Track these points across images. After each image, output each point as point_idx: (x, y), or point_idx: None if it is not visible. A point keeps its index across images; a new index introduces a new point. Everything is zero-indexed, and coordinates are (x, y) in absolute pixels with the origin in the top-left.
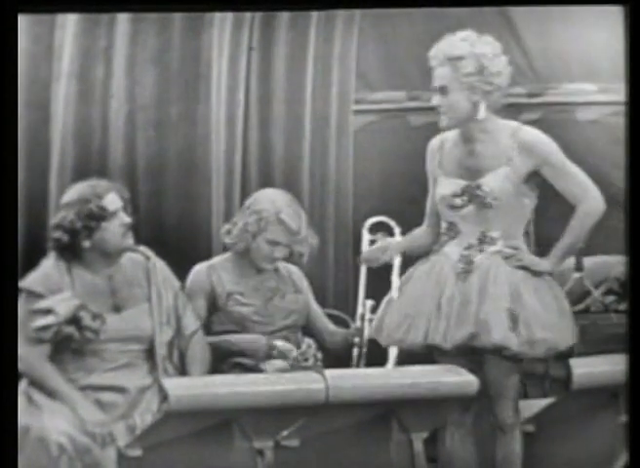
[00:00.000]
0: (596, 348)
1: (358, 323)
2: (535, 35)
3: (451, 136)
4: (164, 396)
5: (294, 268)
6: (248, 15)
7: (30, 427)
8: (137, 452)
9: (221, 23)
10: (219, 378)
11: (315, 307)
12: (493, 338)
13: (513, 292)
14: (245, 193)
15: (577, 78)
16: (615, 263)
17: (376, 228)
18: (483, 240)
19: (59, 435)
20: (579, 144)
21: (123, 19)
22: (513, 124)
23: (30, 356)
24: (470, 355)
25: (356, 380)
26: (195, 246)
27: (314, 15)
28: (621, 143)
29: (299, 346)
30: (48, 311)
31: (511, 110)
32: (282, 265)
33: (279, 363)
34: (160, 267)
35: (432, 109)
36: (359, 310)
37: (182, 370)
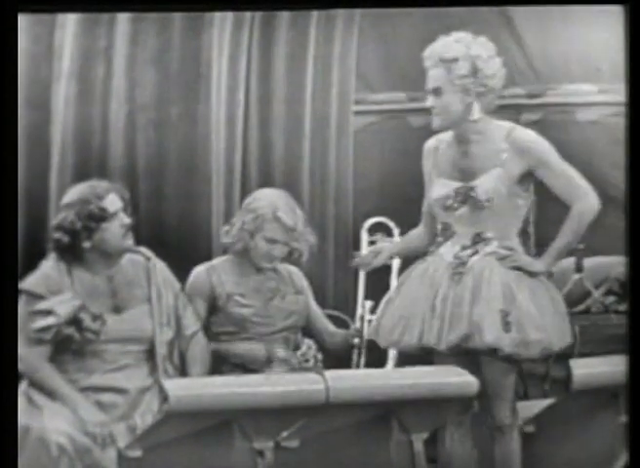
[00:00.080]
0: (596, 349)
1: (357, 324)
2: (535, 36)
3: (446, 137)
4: (164, 396)
5: (294, 269)
6: (248, 14)
7: (30, 428)
8: (137, 453)
9: (221, 23)
10: (219, 379)
11: (315, 308)
12: (486, 339)
13: (507, 293)
14: (245, 193)
15: (577, 79)
16: (615, 264)
17: (375, 229)
18: (477, 241)
19: (59, 435)
20: (579, 145)
21: (123, 19)
22: (507, 125)
23: (30, 357)
24: (465, 356)
25: (356, 381)
26: (195, 246)
27: (314, 14)
28: (621, 144)
29: (298, 347)
30: (48, 312)
31: (511, 111)
32: (282, 266)
33: (279, 370)
34: (160, 268)
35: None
36: (358, 311)
37: (183, 371)
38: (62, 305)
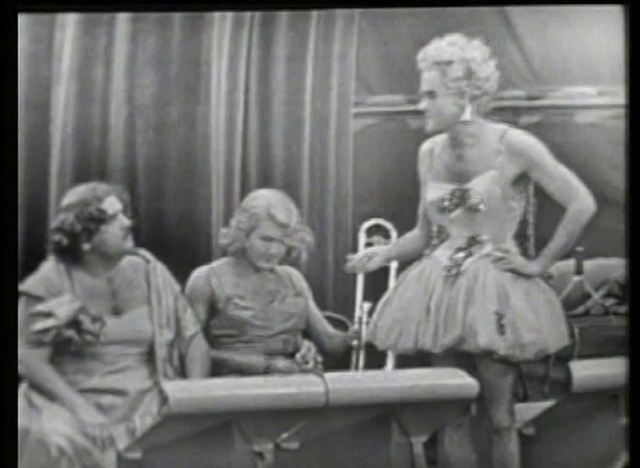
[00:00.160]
0: (596, 351)
1: (356, 326)
2: (534, 37)
3: (441, 140)
4: (164, 398)
5: (293, 271)
6: (247, 15)
7: (30, 429)
8: (136, 455)
9: (221, 23)
10: (218, 381)
11: (315, 310)
12: (480, 342)
13: (501, 296)
14: (245, 195)
15: (576, 81)
16: (615, 266)
17: (373, 231)
18: (472, 243)
19: (58, 437)
20: (578, 147)
21: (123, 20)
22: (501, 127)
23: (30, 358)
24: (461, 359)
25: (356, 383)
26: (195, 248)
27: (314, 15)
28: (621, 146)
29: (298, 349)
30: (48, 314)
31: (511, 113)
32: (281, 268)
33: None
34: (160, 270)
35: None
36: (357, 313)
37: (182, 373)
38: (62, 307)
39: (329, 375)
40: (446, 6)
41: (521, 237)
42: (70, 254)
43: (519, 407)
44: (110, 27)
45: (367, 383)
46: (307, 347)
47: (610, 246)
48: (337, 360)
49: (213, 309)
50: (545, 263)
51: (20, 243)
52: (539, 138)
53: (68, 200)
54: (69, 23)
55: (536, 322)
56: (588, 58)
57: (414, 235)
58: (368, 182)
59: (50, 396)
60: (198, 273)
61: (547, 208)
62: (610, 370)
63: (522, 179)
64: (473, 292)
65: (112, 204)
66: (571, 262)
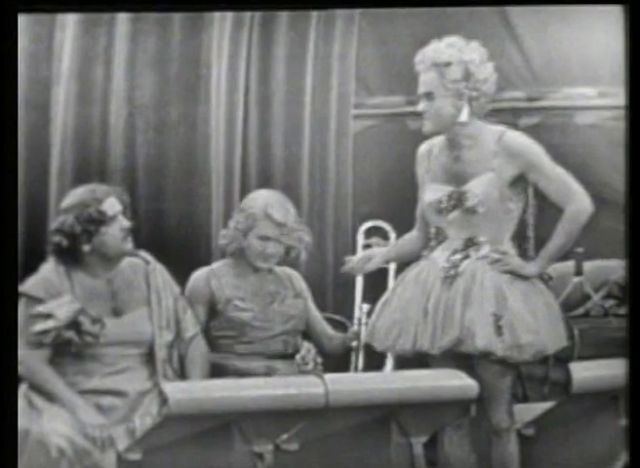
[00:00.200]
0: (596, 352)
1: (355, 327)
2: (534, 38)
3: (438, 142)
4: (164, 399)
5: (293, 272)
6: (247, 15)
7: (30, 430)
8: (136, 456)
9: (221, 23)
10: (218, 382)
11: (314, 311)
12: (477, 344)
13: (499, 297)
14: (244, 195)
15: (576, 82)
16: (614, 267)
17: (371, 232)
18: (469, 245)
19: (58, 438)
20: (578, 148)
21: (123, 20)
22: (498, 129)
23: (30, 360)
24: (459, 360)
25: (356, 384)
26: (195, 249)
27: (314, 15)
28: (621, 147)
29: (298, 350)
30: (48, 315)
31: (510, 114)
32: (281, 269)
33: None
34: (160, 271)
35: None
36: (356, 314)
37: (182, 374)
38: (62, 308)
39: (329, 377)
40: (446, 6)
41: (521, 238)
42: (70, 256)
43: (519, 407)
44: (110, 27)
45: (367, 384)
46: (307, 348)
47: (609, 247)
48: (336, 361)
49: (212, 311)
50: (543, 265)
51: (20, 244)
52: (538, 140)
53: (68, 201)
54: (69, 23)
55: (533, 323)
56: (588, 59)
57: (412, 236)
58: (368, 183)
59: (50, 397)
60: (198, 275)
61: (547, 209)
62: (609, 371)
63: (519, 181)
64: (471, 294)
65: (112, 205)
66: (570, 264)
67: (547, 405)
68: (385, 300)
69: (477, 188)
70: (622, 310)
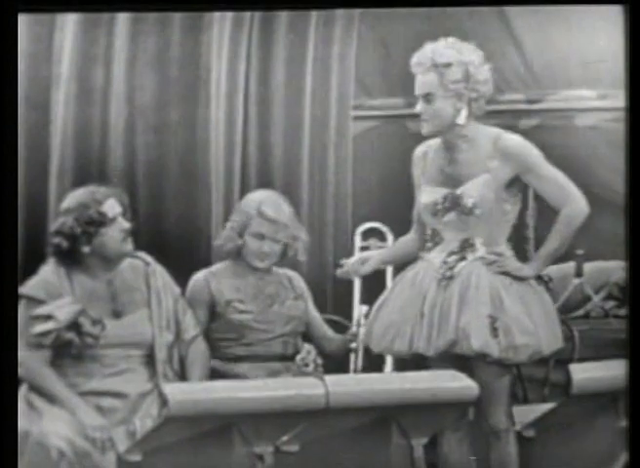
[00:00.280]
0: (596, 353)
1: (354, 328)
2: (534, 39)
3: (434, 143)
4: (164, 401)
5: (293, 274)
6: (247, 15)
7: (30, 432)
8: (136, 457)
9: (221, 23)
10: (218, 383)
11: (314, 313)
12: (473, 345)
13: (495, 299)
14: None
15: (576, 84)
16: (615, 269)
17: (369, 234)
18: (465, 247)
19: (58, 440)
20: (578, 150)
21: (123, 20)
22: (494, 131)
23: (30, 361)
24: (457, 361)
25: (356, 386)
26: (195, 250)
27: (313, 16)
28: (621, 149)
29: (298, 352)
30: (48, 317)
31: (510, 116)
32: (281, 271)
33: None
34: (160, 272)
35: None
36: (355, 315)
37: (182, 375)
38: (62, 310)
39: (329, 378)
40: (446, 6)
41: (519, 240)
42: (70, 257)
43: (519, 409)
44: (110, 28)
45: (367, 386)
46: (307, 350)
47: (609, 248)
48: (336, 362)
49: (212, 313)
50: (539, 266)
51: (21, 245)
52: (538, 142)
53: (68, 203)
54: (69, 24)
55: (529, 324)
56: (588, 61)
57: (408, 238)
58: (367, 185)
59: (50, 398)
60: (197, 277)
61: (547, 211)
62: (609, 372)
63: (515, 183)
64: (467, 296)
65: (112, 207)
66: (571, 265)
67: (547, 406)
68: (382, 302)
69: (473, 190)
70: (623, 311)
